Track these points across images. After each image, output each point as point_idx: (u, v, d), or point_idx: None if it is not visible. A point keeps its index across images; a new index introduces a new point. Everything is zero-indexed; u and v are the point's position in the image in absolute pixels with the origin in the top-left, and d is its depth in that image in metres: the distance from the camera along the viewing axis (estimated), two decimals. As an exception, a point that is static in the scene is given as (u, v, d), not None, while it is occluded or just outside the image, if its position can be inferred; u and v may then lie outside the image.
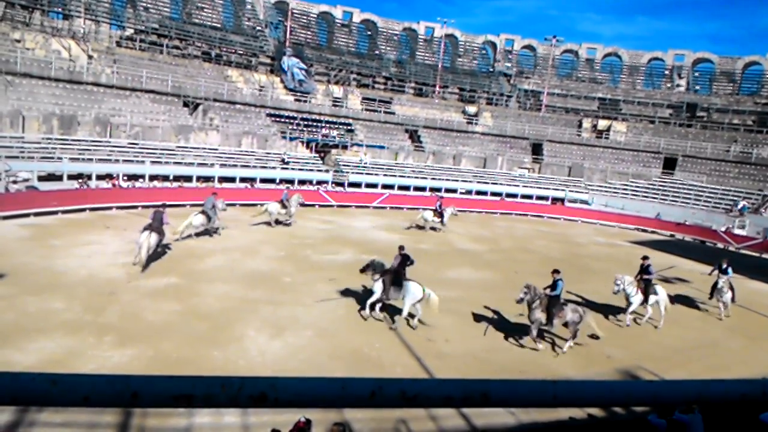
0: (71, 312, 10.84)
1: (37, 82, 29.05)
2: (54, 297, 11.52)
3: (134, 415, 7.09)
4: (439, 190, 34.58)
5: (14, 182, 22.03)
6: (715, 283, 14.87)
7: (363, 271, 12.39)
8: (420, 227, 25.11)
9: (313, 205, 27.97)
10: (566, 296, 15.45)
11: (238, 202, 26.79)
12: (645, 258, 14.02)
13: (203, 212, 18.78)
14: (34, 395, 1.11)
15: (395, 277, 12.13)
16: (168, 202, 19.70)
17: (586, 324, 11.56)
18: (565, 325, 11.42)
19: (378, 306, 12.29)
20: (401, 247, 12.96)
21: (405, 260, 12.48)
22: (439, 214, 25.32)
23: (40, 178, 23.55)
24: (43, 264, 13.86)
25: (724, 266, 14.41)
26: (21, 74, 28.46)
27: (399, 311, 12.33)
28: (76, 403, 1.11)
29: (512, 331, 12.18)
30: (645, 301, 13.37)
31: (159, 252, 15.52)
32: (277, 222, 22.58)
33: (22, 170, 22.83)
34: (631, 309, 13.33)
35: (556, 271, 11.66)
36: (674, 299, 15.22)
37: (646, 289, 13.34)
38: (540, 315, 11.20)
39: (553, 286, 11.49)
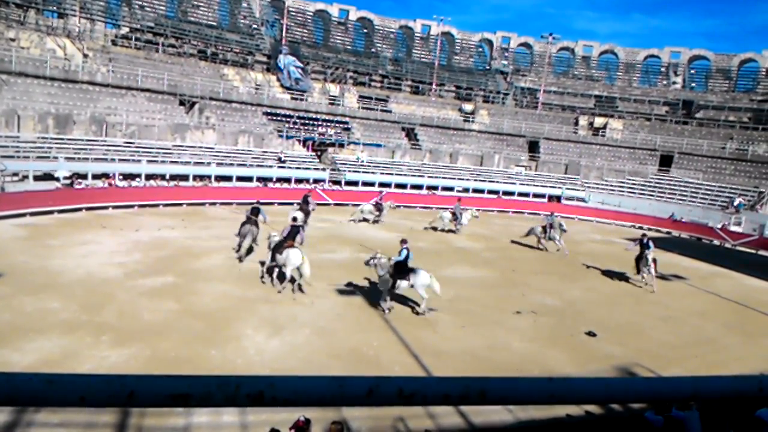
0: (68, 312, 10.80)
1: (32, 81, 28.93)
2: (51, 297, 11.48)
3: (132, 415, 7.07)
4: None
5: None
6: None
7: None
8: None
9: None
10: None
11: (235, 201, 26.81)
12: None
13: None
14: (30, 395, 1.10)
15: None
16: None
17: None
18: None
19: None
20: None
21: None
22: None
23: (36, 178, 23.49)
24: (39, 263, 13.81)
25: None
26: (16, 73, 28.33)
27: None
28: (73, 404, 1.11)
29: (509, 327, 12.22)
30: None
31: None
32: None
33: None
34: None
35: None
36: None
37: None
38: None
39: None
